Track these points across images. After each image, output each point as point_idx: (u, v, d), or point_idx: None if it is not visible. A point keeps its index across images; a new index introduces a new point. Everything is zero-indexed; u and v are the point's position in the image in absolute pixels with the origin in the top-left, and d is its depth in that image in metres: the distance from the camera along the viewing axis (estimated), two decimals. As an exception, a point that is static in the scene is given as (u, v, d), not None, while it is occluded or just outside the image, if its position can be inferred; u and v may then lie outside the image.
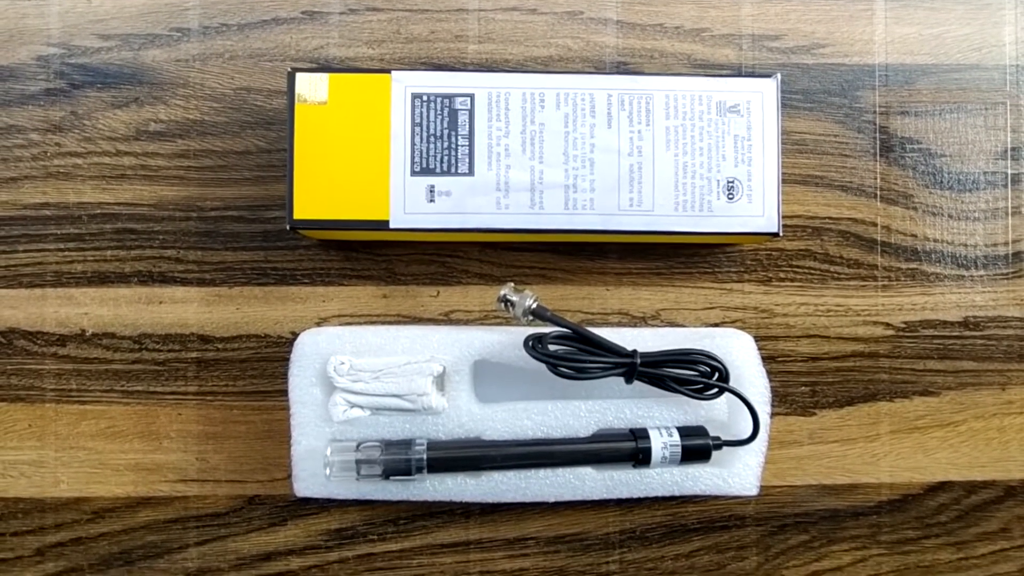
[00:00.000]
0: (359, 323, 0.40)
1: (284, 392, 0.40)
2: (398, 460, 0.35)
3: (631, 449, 0.35)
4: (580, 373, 0.34)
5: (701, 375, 0.35)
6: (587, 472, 0.36)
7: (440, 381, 0.36)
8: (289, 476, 0.39)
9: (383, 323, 0.40)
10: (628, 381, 0.35)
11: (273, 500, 0.40)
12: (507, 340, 0.36)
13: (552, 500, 0.36)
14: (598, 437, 0.36)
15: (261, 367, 0.40)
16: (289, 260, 0.40)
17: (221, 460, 0.40)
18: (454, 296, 0.40)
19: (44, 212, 0.40)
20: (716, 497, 0.40)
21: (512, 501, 0.36)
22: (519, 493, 0.36)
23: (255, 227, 0.40)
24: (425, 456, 0.35)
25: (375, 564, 0.40)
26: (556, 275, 0.41)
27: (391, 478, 0.35)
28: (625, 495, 0.37)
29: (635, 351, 0.34)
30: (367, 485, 0.36)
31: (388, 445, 0.35)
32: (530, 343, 0.34)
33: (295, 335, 0.40)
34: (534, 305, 0.35)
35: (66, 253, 0.40)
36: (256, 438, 0.40)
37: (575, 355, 0.34)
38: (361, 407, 0.36)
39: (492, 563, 0.40)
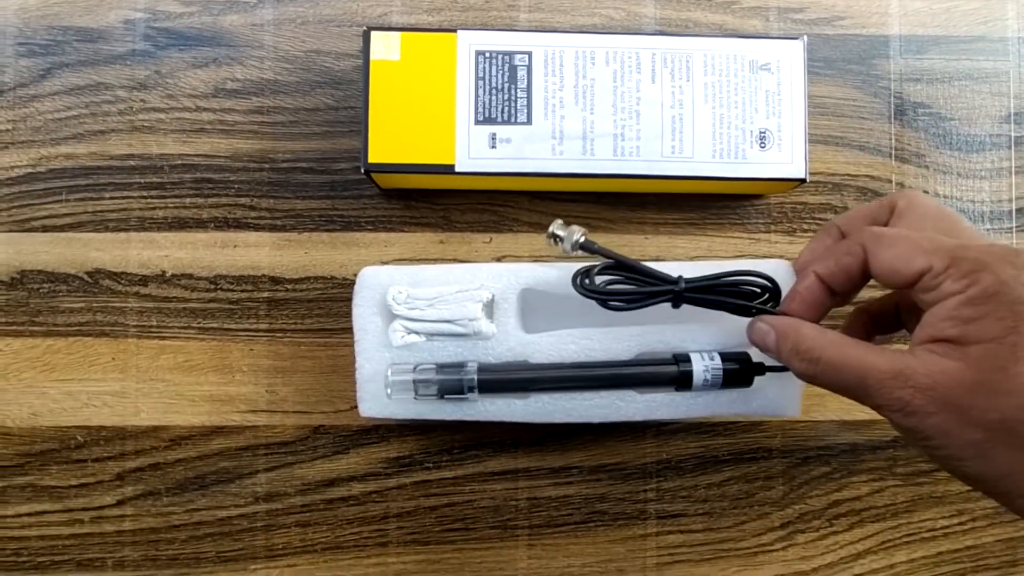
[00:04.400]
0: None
1: (348, 329, 0.42)
2: (451, 380, 0.36)
3: (673, 373, 0.36)
4: (630, 304, 0.35)
5: (748, 295, 0.35)
6: (630, 395, 0.38)
7: (489, 309, 0.38)
8: (351, 408, 0.41)
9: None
10: (675, 305, 0.36)
11: (336, 430, 0.42)
12: (551, 271, 0.38)
13: (597, 421, 0.38)
14: (641, 360, 0.37)
15: (327, 306, 0.42)
16: (354, 208, 0.42)
17: (289, 392, 0.42)
18: (505, 242, 0.42)
19: (129, 163, 0.42)
20: (752, 424, 0.42)
21: (560, 422, 0.38)
22: (566, 414, 0.38)
23: (323, 178, 0.42)
24: (476, 377, 0.36)
25: (430, 490, 0.42)
26: (599, 224, 0.43)
27: (445, 397, 0.37)
28: (668, 417, 0.38)
29: (680, 277, 0.35)
30: (424, 404, 0.37)
31: (442, 367, 0.37)
32: (578, 280, 0.35)
33: (359, 277, 0.42)
34: (582, 239, 0.36)
35: (149, 200, 0.42)
36: (321, 372, 0.42)
37: (623, 288, 0.35)
38: (418, 333, 0.37)
39: (539, 490, 0.42)
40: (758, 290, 0.35)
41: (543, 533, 0.42)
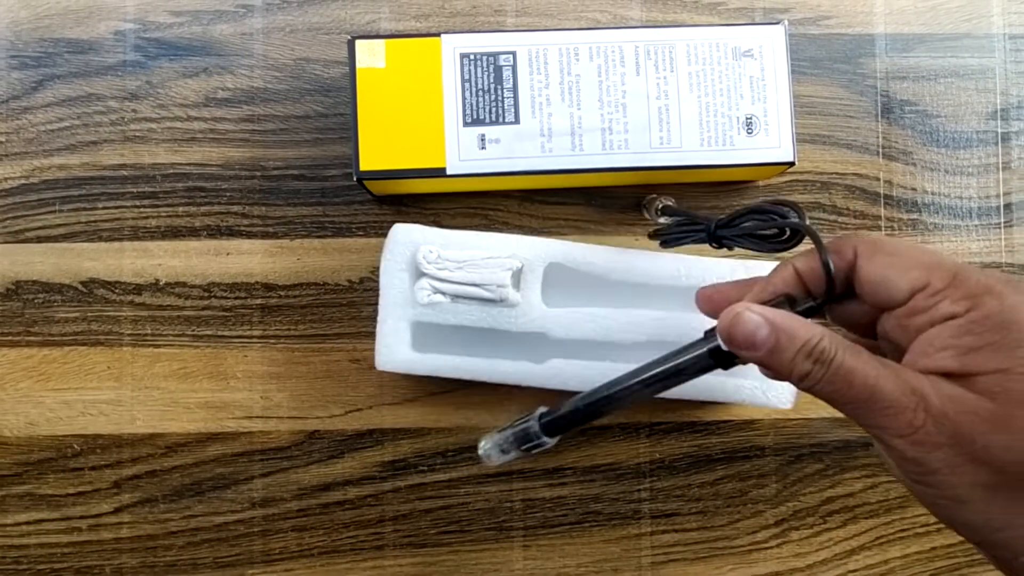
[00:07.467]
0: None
1: (341, 335, 0.41)
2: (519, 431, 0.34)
3: (707, 362, 0.29)
4: (678, 240, 0.36)
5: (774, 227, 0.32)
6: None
7: (516, 278, 0.37)
8: (346, 412, 0.40)
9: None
10: (714, 244, 0.34)
11: (331, 435, 0.41)
12: (580, 249, 0.38)
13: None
14: (673, 355, 0.31)
15: (320, 312, 0.41)
16: (345, 214, 0.41)
17: (283, 398, 0.41)
18: (496, 246, 0.41)
19: (122, 172, 0.41)
20: (744, 423, 0.41)
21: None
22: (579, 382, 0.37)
23: (314, 184, 0.41)
24: (538, 422, 0.33)
25: (425, 493, 0.41)
26: (589, 227, 0.42)
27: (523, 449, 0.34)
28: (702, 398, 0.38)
29: (715, 218, 0.34)
30: (438, 359, 0.37)
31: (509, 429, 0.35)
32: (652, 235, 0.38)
33: (351, 283, 0.41)
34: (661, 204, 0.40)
35: (142, 210, 0.41)
36: (316, 378, 0.41)
37: (671, 230, 0.36)
38: (443, 293, 0.37)
39: (533, 491, 0.41)
40: (786, 217, 0.31)
41: (538, 534, 0.41)
